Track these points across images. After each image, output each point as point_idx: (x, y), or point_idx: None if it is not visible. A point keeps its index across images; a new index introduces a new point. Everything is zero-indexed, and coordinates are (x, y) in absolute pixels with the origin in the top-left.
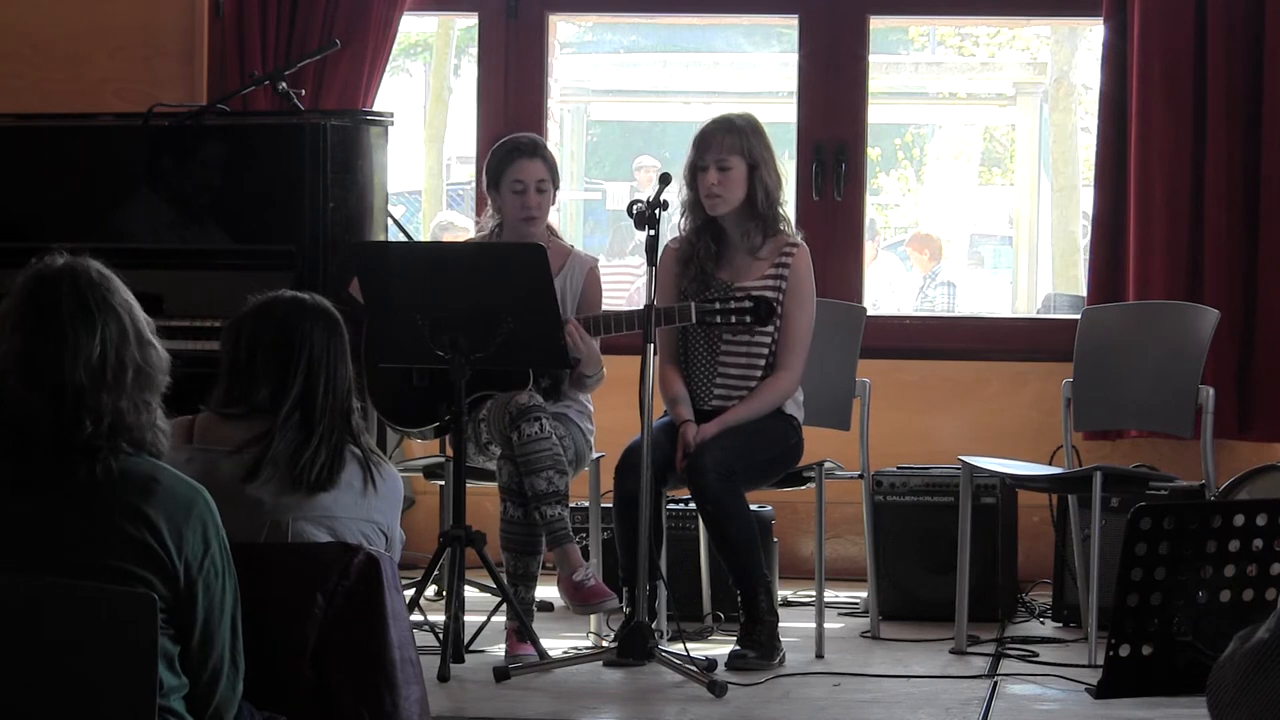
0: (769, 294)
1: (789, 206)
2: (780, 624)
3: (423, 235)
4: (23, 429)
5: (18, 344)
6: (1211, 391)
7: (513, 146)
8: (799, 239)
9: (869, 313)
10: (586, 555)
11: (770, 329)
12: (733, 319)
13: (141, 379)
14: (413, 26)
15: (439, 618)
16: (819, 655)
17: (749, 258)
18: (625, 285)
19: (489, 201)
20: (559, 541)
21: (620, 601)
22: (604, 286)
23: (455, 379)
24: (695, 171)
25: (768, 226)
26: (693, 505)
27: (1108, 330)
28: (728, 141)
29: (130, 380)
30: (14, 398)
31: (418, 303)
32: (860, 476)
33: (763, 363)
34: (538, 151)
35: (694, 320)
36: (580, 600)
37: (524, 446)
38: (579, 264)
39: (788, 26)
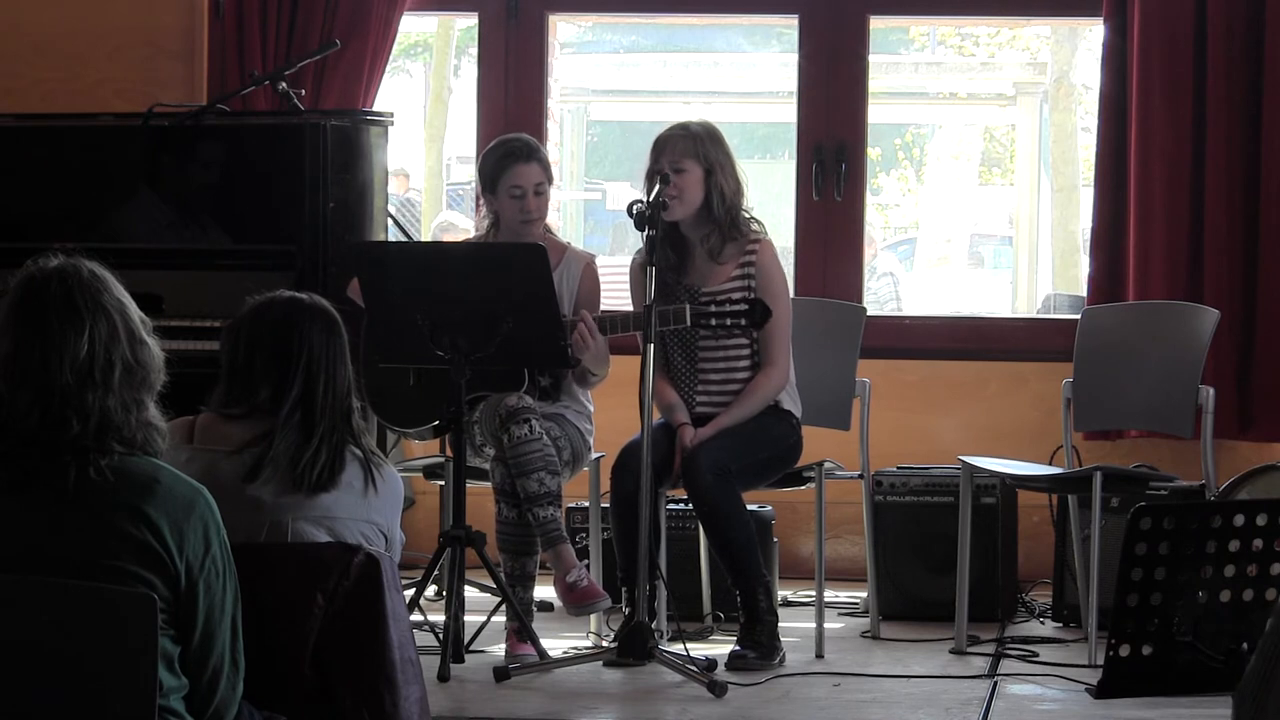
0: (738, 295)
1: (790, 209)
2: (780, 624)
3: (423, 235)
4: (13, 430)
5: (8, 346)
6: (1211, 391)
7: (507, 151)
8: (761, 234)
9: (869, 313)
10: (585, 555)
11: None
12: (728, 321)
13: (132, 378)
14: (413, 26)
15: (439, 618)
16: (819, 655)
17: (711, 263)
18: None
19: (483, 203)
20: (552, 543)
21: (614, 602)
22: (605, 286)
23: (455, 379)
24: (652, 176)
25: (726, 232)
26: (692, 505)
27: (1108, 330)
28: (682, 145)
29: (119, 379)
30: (4, 400)
31: (418, 303)
32: (860, 476)
33: (744, 363)
34: (533, 155)
35: (688, 322)
36: (573, 601)
37: (514, 449)
38: (575, 259)
39: (788, 26)
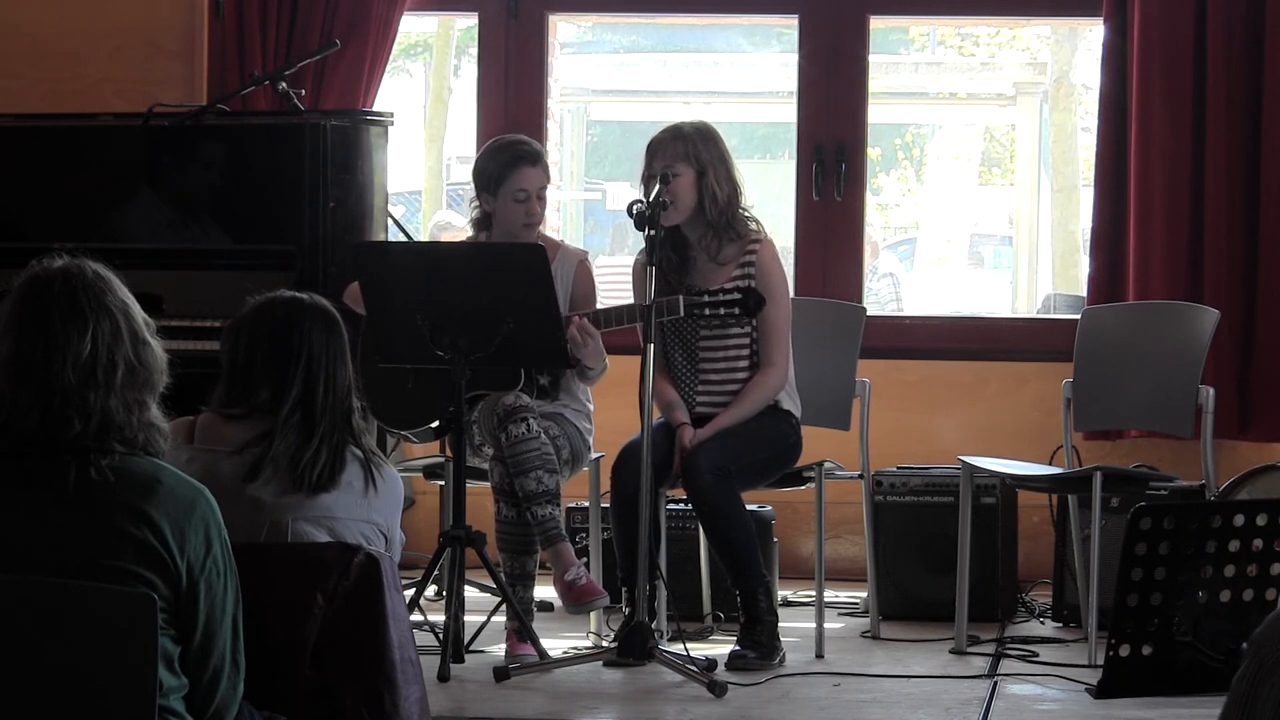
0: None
1: (790, 209)
2: (780, 624)
3: (423, 235)
4: (14, 429)
5: (11, 345)
6: (1211, 391)
7: (517, 154)
8: (761, 234)
9: (869, 313)
10: (585, 555)
11: (747, 328)
12: (721, 310)
13: (135, 378)
14: (413, 26)
15: (439, 618)
16: (819, 655)
17: (712, 263)
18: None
19: (478, 200)
20: (551, 541)
21: (613, 600)
22: (606, 286)
23: (455, 379)
24: (648, 180)
25: (722, 232)
26: (692, 505)
27: (1108, 330)
28: (673, 149)
29: (121, 379)
30: (6, 399)
31: (418, 303)
32: (860, 476)
33: (744, 363)
34: (539, 159)
35: (682, 313)
36: (572, 599)
37: (512, 447)
38: (568, 257)
39: (788, 26)
